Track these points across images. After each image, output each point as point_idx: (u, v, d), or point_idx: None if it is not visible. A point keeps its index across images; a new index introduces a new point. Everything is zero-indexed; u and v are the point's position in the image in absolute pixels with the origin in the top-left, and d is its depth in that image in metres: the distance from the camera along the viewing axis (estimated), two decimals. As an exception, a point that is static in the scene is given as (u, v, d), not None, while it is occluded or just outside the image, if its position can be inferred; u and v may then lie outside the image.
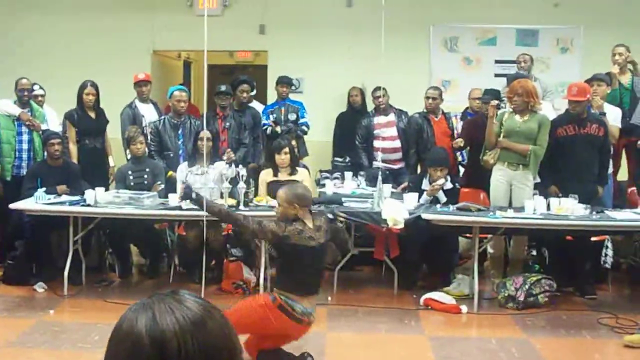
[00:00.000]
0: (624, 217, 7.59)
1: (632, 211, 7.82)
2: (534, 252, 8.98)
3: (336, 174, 9.71)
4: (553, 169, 8.10)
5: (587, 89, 8.21)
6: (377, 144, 9.80)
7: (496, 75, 11.06)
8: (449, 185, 8.29)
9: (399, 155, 9.95)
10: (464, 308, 7.48)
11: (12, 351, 6.22)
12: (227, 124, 9.62)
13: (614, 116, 8.69)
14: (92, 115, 9.20)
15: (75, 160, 8.97)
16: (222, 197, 7.78)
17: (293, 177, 8.51)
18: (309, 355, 5.86)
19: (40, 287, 8.00)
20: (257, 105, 10.72)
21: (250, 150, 9.84)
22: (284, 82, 10.57)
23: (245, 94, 10.02)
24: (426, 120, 9.58)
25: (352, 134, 10.22)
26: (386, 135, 9.96)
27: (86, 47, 11.69)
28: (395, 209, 7.56)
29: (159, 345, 1.42)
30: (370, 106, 10.67)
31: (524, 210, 7.58)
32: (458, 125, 10.05)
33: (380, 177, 7.97)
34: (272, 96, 11.06)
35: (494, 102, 8.25)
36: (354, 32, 11.43)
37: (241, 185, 7.62)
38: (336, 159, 10.54)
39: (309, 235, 5.66)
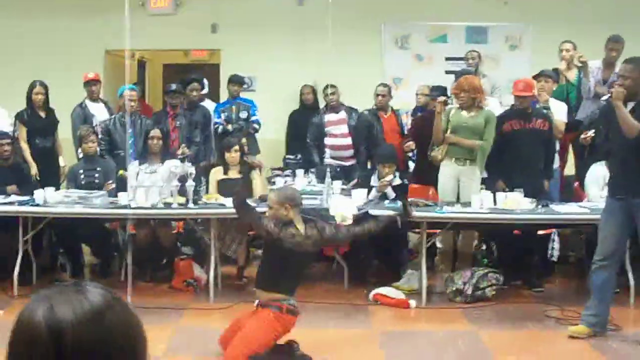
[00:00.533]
0: (569, 210, 7.70)
1: (577, 205, 7.94)
2: (484, 247, 9.08)
3: (287, 172, 9.76)
4: (499, 164, 8.19)
5: (532, 84, 8.33)
6: (328, 141, 9.84)
7: (447, 72, 11.13)
8: (397, 182, 8.36)
9: (350, 152, 10.00)
10: (412, 303, 7.55)
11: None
12: (178, 122, 9.63)
13: (560, 111, 8.80)
14: (42, 114, 9.17)
15: (29, 158, 8.93)
16: (171, 195, 7.77)
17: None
18: (295, 343, 5.98)
19: (-10, 288, 7.96)
20: (209, 104, 10.74)
21: (202, 149, 9.85)
22: (235, 80, 10.62)
23: (195, 93, 10.04)
24: (376, 117, 9.67)
25: (304, 132, 10.26)
26: (337, 133, 10.00)
27: (38, 47, 11.61)
28: (344, 206, 7.60)
29: (55, 335, 1.44)
30: (322, 104, 10.72)
31: (471, 205, 7.67)
32: (408, 121, 10.14)
33: (328, 174, 8.01)
34: (225, 95, 11.07)
35: (442, 99, 8.31)
36: (306, 31, 11.45)
37: (190, 183, 7.63)
38: (288, 156, 10.58)
39: (298, 240, 5.80)
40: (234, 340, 5.67)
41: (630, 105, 6.24)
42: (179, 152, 8.65)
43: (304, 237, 5.82)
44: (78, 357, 1.43)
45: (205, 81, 10.83)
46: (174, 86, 9.85)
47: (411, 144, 9.01)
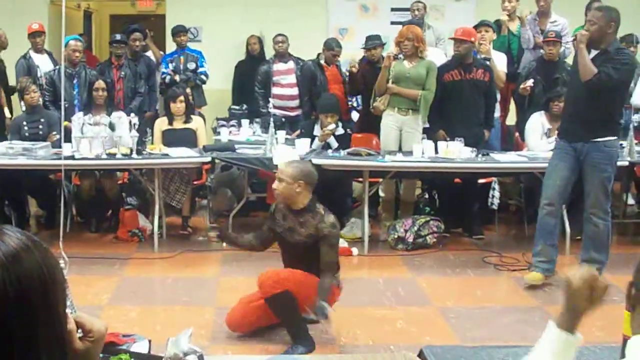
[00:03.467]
0: (508, 159, 7.84)
1: (517, 154, 8.09)
2: (426, 195, 9.22)
3: (233, 122, 9.81)
4: (440, 114, 8.29)
5: (472, 32, 8.42)
6: (275, 90, 9.90)
7: (392, 23, 11.16)
8: (340, 131, 8.43)
9: (296, 102, 10.07)
10: (354, 250, 7.69)
11: None
12: (123, 73, 9.61)
13: (500, 61, 8.91)
14: (-19, 66, 9.10)
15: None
16: (115, 146, 7.79)
17: (188, 126, 8.58)
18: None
19: None
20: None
21: (146, 99, 9.84)
22: (179, 30, 10.60)
23: (137, 43, 10.01)
24: (319, 68, 9.71)
25: (250, 82, 10.30)
26: (284, 83, 10.06)
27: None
28: (287, 155, 7.67)
29: None
30: (268, 54, 10.75)
31: (412, 154, 7.78)
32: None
33: (272, 124, 8.07)
34: (171, 46, 11.04)
35: (392, 52, 8.36)
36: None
37: (134, 133, 7.64)
38: (233, 106, 10.61)
39: (288, 226, 5.36)
40: (283, 273, 5.26)
41: (594, 53, 6.36)
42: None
43: (298, 224, 5.34)
44: None
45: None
46: (118, 36, 9.84)
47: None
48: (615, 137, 6.52)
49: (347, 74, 9.80)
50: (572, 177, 6.64)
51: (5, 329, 1.44)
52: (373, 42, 9.15)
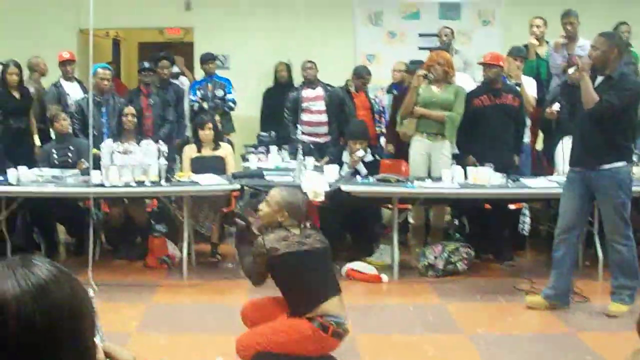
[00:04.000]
0: (538, 184, 7.78)
1: (547, 179, 8.02)
2: (455, 221, 9.16)
3: (261, 149, 9.81)
4: (470, 139, 8.26)
5: (500, 56, 8.41)
6: (304, 117, 9.91)
7: (420, 49, 11.17)
8: (369, 158, 8.42)
9: (325, 129, 10.06)
10: (384, 277, 7.64)
11: None
12: (151, 100, 9.65)
13: (530, 86, 8.88)
14: (16, 95, 9.15)
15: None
16: (144, 173, 7.81)
17: (216, 153, 8.61)
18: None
19: (-37, 268, 7.97)
20: (185, 81, 10.80)
21: (175, 126, 9.87)
22: (207, 58, 10.65)
23: (165, 70, 10.05)
24: (348, 94, 9.71)
25: (278, 109, 10.32)
26: (314, 109, 10.07)
27: (12, 26, 11.58)
28: (316, 182, 7.66)
29: None
30: (297, 81, 10.77)
31: (442, 180, 7.74)
32: (383, 97, 10.18)
33: (300, 150, 8.06)
34: (199, 73, 11.09)
35: (421, 72, 8.31)
36: (279, 8, 11.49)
37: (162, 161, 7.66)
38: (261, 133, 10.63)
39: (297, 240, 4.90)
40: (256, 328, 4.98)
41: (600, 79, 6.34)
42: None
43: (302, 236, 4.95)
44: (21, 330, 1.43)
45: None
46: (146, 64, 9.89)
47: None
48: (624, 163, 6.40)
49: (380, 100, 9.82)
50: (584, 205, 6.60)
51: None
52: (415, 65, 9.13)
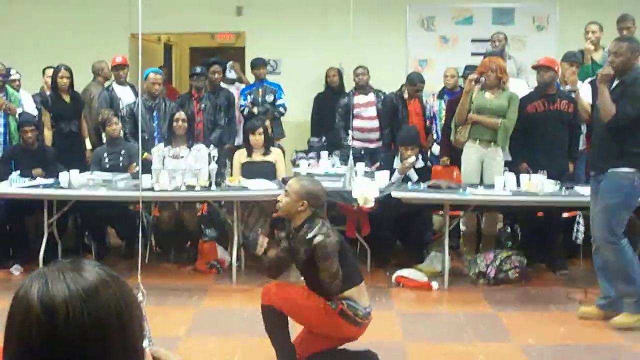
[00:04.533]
0: (592, 192, 7.64)
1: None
2: (508, 229, 9.06)
3: (312, 154, 9.79)
4: (523, 146, 8.15)
5: (555, 61, 8.30)
6: (356, 123, 9.87)
7: (472, 54, 11.10)
8: (420, 164, 8.36)
9: (376, 134, 10.04)
10: (434, 284, 7.56)
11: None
12: (203, 105, 9.69)
13: (585, 92, 8.73)
14: (67, 99, 9.24)
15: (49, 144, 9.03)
16: (194, 178, 7.83)
17: (267, 158, 8.61)
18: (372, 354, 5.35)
19: (16, 270, 8.08)
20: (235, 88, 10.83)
21: (226, 131, 9.89)
22: (258, 63, 10.67)
23: (217, 75, 10.09)
24: (401, 100, 9.65)
25: (329, 114, 10.29)
26: (365, 115, 10.03)
27: (65, 31, 11.73)
28: (366, 188, 7.62)
29: (48, 310, 1.46)
30: (348, 86, 10.74)
31: (494, 187, 7.64)
32: (434, 103, 10.10)
33: (351, 156, 8.03)
34: (251, 78, 11.10)
35: (473, 76, 8.21)
36: (330, 12, 11.48)
37: (213, 166, 7.66)
38: (312, 138, 10.62)
39: (293, 246, 5.07)
40: (285, 286, 5.19)
41: (615, 82, 6.32)
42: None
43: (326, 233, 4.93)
44: (70, 333, 1.46)
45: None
46: (198, 69, 9.93)
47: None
48: (632, 169, 6.24)
49: (432, 107, 9.77)
50: None
51: None
52: (469, 71, 9.04)
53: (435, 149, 9.83)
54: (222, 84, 10.45)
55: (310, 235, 4.91)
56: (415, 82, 9.74)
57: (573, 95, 8.41)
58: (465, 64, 9.89)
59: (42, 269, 1.58)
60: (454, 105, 9.10)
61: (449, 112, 9.17)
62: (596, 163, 6.51)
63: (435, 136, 9.83)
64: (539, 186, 7.44)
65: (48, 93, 9.44)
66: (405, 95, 9.75)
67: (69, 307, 1.47)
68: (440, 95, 10.19)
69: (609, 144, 6.30)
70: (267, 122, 9.41)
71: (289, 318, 5.09)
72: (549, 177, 7.52)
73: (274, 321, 5.06)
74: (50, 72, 9.47)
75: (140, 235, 6.61)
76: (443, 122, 9.39)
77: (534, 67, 8.31)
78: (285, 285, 5.21)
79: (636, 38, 6.42)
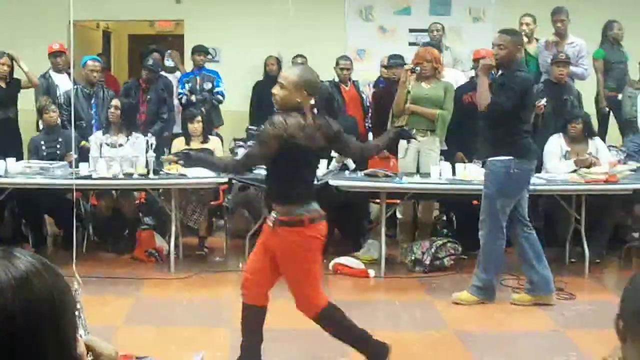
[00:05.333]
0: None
1: (535, 175, 7.99)
2: (444, 217, 9.18)
3: (250, 142, 9.78)
4: (459, 136, 8.26)
5: (491, 52, 8.42)
6: (293, 112, 9.87)
7: (410, 44, 11.20)
8: (358, 153, 8.41)
9: (316, 123, 10.03)
10: (371, 272, 7.65)
11: None
12: (148, 96, 9.62)
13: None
14: (2, 85, 9.13)
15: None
16: (132, 166, 7.81)
17: (205, 146, 8.59)
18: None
19: (-50, 259, 7.95)
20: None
21: (167, 125, 9.84)
22: (200, 50, 10.63)
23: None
24: (337, 89, 9.70)
25: (268, 103, 10.11)
26: (304, 104, 10.02)
27: (3, 18, 11.56)
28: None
29: None
30: (286, 75, 10.75)
31: (430, 176, 7.74)
32: (370, 93, 10.17)
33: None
34: (190, 65, 11.06)
35: (408, 67, 8.26)
36: (271, 1, 11.46)
37: (151, 154, 7.64)
38: (250, 127, 10.59)
39: (310, 133, 4.69)
40: (295, 295, 4.99)
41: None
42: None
43: (315, 127, 4.73)
44: (1, 323, 1.43)
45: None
46: (151, 61, 9.80)
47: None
48: (509, 157, 6.43)
49: (367, 96, 9.84)
50: None
51: (13, 353, 1.44)
52: (395, 61, 9.12)
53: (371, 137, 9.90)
54: (162, 73, 10.40)
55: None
56: (338, 62, 9.84)
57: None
58: (404, 53, 9.93)
59: None
60: (379, 96, 9.20)
61: (375, 105, 9.27)
62: (480, 150, 6.76)
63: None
64: (475, 175, 7.56)
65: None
66: (336, 79, 9.81)
67: (0, 297, 1.45)
68: (375, 85, 10.29)
69: (488, 133, 6.54)
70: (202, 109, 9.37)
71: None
72: (483, 167, 7.62)
73: (255, 321, 5.06)
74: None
75: (74, 224, 6.60)
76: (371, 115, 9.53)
77: (475, 60, 8.39)
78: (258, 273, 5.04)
79: (519, 31, 6.65)
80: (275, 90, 4.83)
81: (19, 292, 1.46)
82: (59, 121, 8.74)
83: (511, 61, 6.45)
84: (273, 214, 4.88)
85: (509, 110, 6.35)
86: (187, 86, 10.34)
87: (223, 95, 10.46)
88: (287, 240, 4.81)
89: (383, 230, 7.73)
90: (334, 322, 5.01)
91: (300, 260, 4.84)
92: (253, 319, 5.08)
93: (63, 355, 1.53)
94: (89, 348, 1.68)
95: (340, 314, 5.00)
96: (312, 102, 4.90)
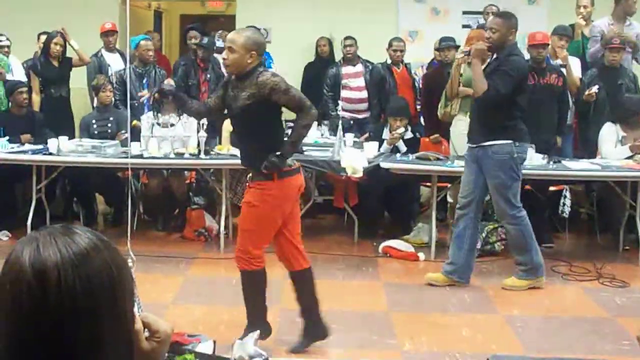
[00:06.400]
0: (580, 167, 7.68)
1: (589, 161, 7.92)
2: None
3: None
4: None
5: (548, 36, 8.32)
6: (344, 93, 9.81)
7: (464, 27, 11.03)
8: (409, 135, 8.37)
9: (365, 105, 10.00)
10: (421, 255, 7.62)
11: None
12: (208, 75, 9.63)
13: (575, 66, 8.76)
14: (55, 64, 9.20)
15: (37, 110, 9.00)
16: (184, 146, 7.83)
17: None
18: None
19: (4, 235, 8.09)
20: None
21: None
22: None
23: (193, 41, 10.03)
24: (389, 71, 9.64)
25: (319, 84, 10.25)
26: (353, 86, 9.98)
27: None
28: (354, 158, 7.64)
29: (40, 274, 1.46)
30: (338, 56, 10.71)
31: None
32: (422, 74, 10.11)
33: (340, 126, 8.03)
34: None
35: (462, 51, 8.15)
36: (322, -18, 11.43)
37: (202, 134, 7.65)
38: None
39: (233, 95, 4.95)
40: (238, 242, 5.24)
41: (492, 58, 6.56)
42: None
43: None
44: (62, 297, 1.46)
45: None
46: (205, 39, 9.80)
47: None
48: (508, 141, 6.41)
49: (416, 76, 9.75)
50: (477, 180, 6.64)
51: (73, 326, 1.47)
52: (447, 42, 9.06)
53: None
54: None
55: (261, 78, 4.79)
56: (391, 43, 9.75)
57: (563, 69, 8.42)
58: (457, 35, 9.83)
59: (33, 233, 1.57)
60: (429, 80, 9.12)
61: (425, 87, 9.20)
62: (472, 135, 6.63)
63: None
64: (527, 159, 7.45)
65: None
66: (389, 61, 9.74)
67: (61, 272, 1.46)
68: (428, 67, 10.20)
69: (485, 117, 6.46)
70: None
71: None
72: (537, 151, 7.54)
73: (256, 286, 5.21)
74: (44, 38, 9.40)
75: (130, 202, 6.65)
76: (422, 99, 9.48)
77: (531, 46, 8.22)
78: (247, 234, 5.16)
79: (513, 14, 6.55)
80: (225, 54, 4.90)
81: (80, 268, 1.49)
82: (112, 100, 8.78)
83: (504, 45, 6.39)
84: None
85: (508, 96, 6.31)
86: (238, 66, 10.30)
87: (274, 76, 10.42)
88: (252, 191, 5.00)
89: (434, 213, 7.68)
90: (252, 287, 5.21)
91: (256, 211, 4.96)
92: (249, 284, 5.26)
93: (121, 330, 1.56)
94: (145, 324, 1.70)
95: (261, 286, 5.19)
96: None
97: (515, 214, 6.57)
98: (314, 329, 5.25)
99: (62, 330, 1.46)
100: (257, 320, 5.17)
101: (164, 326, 1.72)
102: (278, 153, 4.84)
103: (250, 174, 5.10)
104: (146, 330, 1.69)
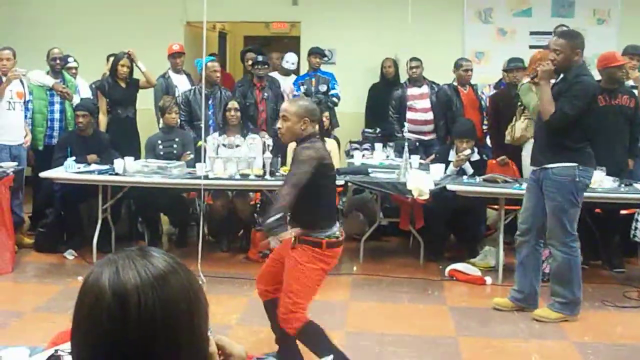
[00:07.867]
0: (652, 190, 7.51)
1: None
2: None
3: (366, 145, 9.74)
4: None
5: (617, 55, 8.16)
6: (409, 115, 9.78)
7: (531, 47, 10.91)
8: (475, 157, 8.27)
9: (430, 127, 9.95)
10: (488, 279, 7.50)
11: (39, 315, 6.34)
12: (265, 94, 9.67)
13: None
14: (123, 85, 9.29)
15: (103, 130, 9.08)
16: (249, 167, 7.83)
17: (321, 147, 8.54)
18: None
19: (70, 255, 8.14)
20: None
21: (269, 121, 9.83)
22: (316, 52, 10.62)
23: (250, 62, 10.09)
24: (455, 92, 9.55)
25: (384, 105, 10.23)
26: (419, 107, 9.94)
27: (120, 19, 11.79)
28: (421, 180, 7.57)
29: (120, 297, 1.46)
30: (403, 78, 10.67)
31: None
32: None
33: (406, 148, 7.96)
34: (305, 67, 11.06)
35: (531, 73, 8.04)
36: (387, 3, 11.39)
37: (267, 155, 7.65)
38: (366, 130, 10.57)
39: (324, 154, 5.00)
40: (280, 300, 5.06)
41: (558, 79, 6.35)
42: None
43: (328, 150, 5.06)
44: (142, 320, 1.46)
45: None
46: (260, 57, 9.85)
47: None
48: (572, 164, 6.22)
49: (483, 96, 9.65)
50: (537, 205, 6.46)
51: (152, 349, 1.47)
52: (515, 64, 8.96)
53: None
54: (277, 75, 10.47)
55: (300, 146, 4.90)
56: (460, 64, 9.62)
57: (634, 90, 8.25)
58: (524, 56, 9.71)
59: (111, 256, 1.57)
60: (497, 101, 9.00)
61: (493, 108, 9.08)
62: (536, 158, 6.46)
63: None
64: (598, 182, 7.31)
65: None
66: (455, 83, 9.64)
67: (140, 294, 1.47)
68: (496, 87, 10.09)
69: (550, 140, 6.27)
70: (326, 114, 9.32)
71: None
72: (608, 173, 7.40)
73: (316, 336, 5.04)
74: (112, 59, 9.51)
75: (201, 223, 6.65)
76: (489, 120, 9.35)
77: (612, 66, 8.00)
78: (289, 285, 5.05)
79: (577, 32, 6.37)
80: (279, 124, 5.02)
81: (160, 291, 1.50)
82: (178, 122, 8.83)
83: (569, 66, 6.19)
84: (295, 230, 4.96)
85: (575, 118, 6.14)
86: (302, 88, 10.33)
87: (338, 98, 10.42)
88: (301, 252, 4.95)
89: (501, 236, 7.54)
90: (313, 337, 5.03)
91: (306, 274, 4.95)
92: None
93: (197, 352, 1.56)
94: (219, 347, 1.70)
95: (319, 330, 5.00)
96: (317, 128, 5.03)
97: (569, 242, 6.40)
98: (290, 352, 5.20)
99: (141, 352, 1.47)
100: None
101: (238, 349, 1.74)
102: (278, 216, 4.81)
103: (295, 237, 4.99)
104: (220, 352, 1.70)
